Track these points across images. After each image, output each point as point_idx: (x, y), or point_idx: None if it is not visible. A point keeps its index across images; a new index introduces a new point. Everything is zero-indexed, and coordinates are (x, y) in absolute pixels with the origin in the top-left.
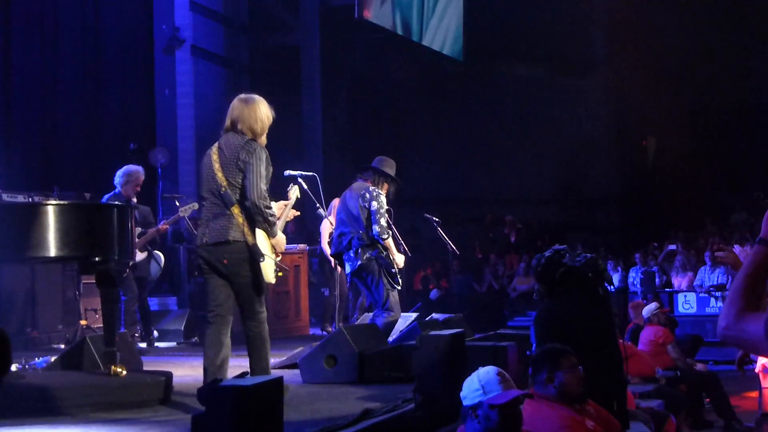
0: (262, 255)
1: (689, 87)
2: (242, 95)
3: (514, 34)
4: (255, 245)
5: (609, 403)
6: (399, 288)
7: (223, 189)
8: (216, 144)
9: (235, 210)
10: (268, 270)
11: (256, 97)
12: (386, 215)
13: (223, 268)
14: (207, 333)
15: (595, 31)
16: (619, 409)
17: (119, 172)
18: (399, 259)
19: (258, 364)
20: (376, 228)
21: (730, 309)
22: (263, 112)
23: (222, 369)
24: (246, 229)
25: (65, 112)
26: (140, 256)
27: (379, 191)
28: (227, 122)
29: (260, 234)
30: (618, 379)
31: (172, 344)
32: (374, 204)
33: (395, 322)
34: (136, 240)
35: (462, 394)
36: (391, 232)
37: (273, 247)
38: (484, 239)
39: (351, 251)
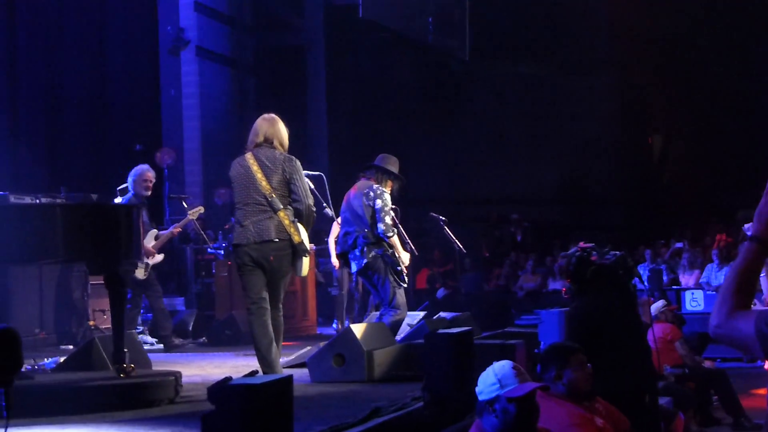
0: (307, 251)
1: (694, 85)
2: (265, 115)
3: (519, 33)
4: (302, 243)
5: (640, 397)
6: (405, 286)
7: (270, 196)
8: (250, 156)
9: (281, 214)
10: (306, 265)
11: (275, 116)
12: (391, 213)
13: (267, 264)
14: (255, 324)
15: (600, 30)
16: (651, 402)
17: (129, 175)
18: (405, 257)
19: (279, 348)
20: (380, 226)
21: (722, 307)
22: (284, 128)
23: (271, 353)
24: (292, 230)
25: (71, 113)
26: (159, 257)
27: (383, 189)
28: (259, 138)
29: (303, 232)
30: (649, 373)
31: (180, 344)
32: (378, 202)
33: (402, 320)
34: (155, 242)
35: (477, 389)
36: (396, 230)
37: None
38: (490, 238)
39: (356, 250)
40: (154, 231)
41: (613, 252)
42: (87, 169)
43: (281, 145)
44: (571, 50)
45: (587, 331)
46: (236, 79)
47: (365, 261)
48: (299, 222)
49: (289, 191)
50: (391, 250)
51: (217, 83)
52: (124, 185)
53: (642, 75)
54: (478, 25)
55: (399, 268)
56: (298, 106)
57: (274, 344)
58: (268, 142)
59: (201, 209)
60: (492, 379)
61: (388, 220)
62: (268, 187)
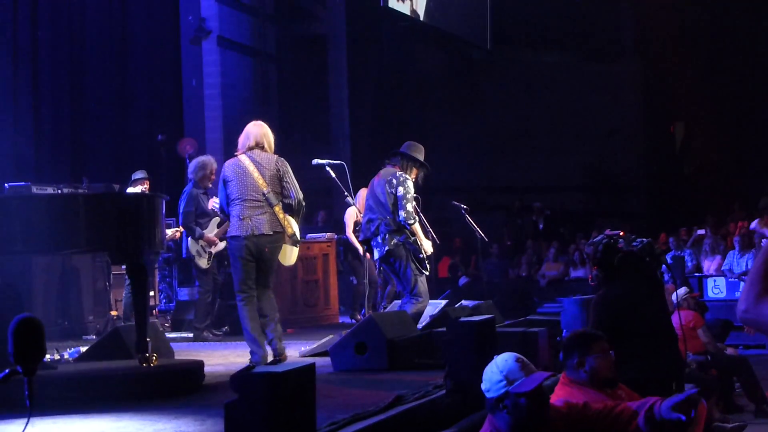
0: (298, 241)
1: (717, 72)
2: (254, 122)
3: (542, 20)
4: (294, 234)
5: (668, 384)
6: (427, 274)
7: (267, 192)
8: (244, 157)
9: (276, 208)
10: (295, 254)
11: (262, 122)
12: (413, 201)
13: (262, 255)
14: (247, 309)
15: (624, 17)
16: (678, 389)
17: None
18: (427, 246)
19: (278, 324)
20: (402, 213)
21: (750, 292)
22: (271, 133)
23: (272, 330)
24: (285, 223)
25: (93, 104)
26: (221, 245)
27: (406, 176)
28: (251, 142)
29: (295, 225)
30: (676, 360)
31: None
32: (400, 189)
33: (424, 308)
34: (217, 229)
35: (484, 387)
36: (418, 218)
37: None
38: (512, 226)
39: (378, 237)
40: (217, 219)
41: (639, 239)
42: (109, 159)
43: (269, 147)
44: (593, 38)
45: (614, 319)
46: (258, 68)
47: (387, 248)
48: (290, 215)
49: (281, 188)
50: (413, 238)
51: (238, 73)
52: (140, 174)
53: (665, 63)
54: (501, 14)
55: (421, 255)
56: (320, 96)
57: (273, 323)
58: (260, 145)
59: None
60: (497, 376)
61: (409, 207)
62: (264, 184)
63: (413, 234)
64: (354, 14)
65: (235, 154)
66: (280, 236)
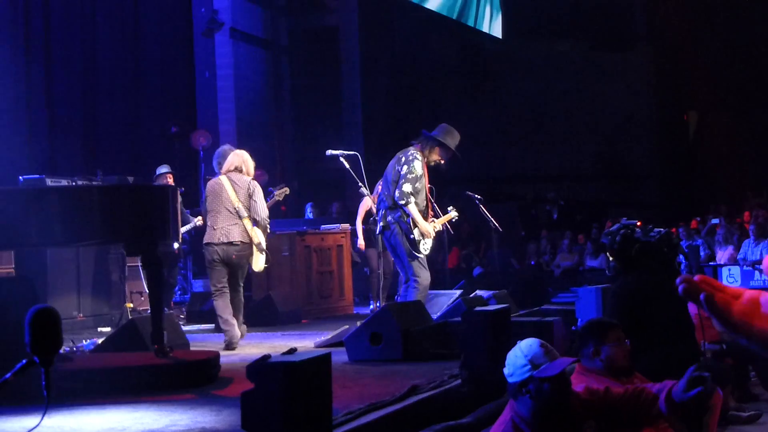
0: (264, 249)
1: (730, 60)
2: (236, 150)
3: (554, 10)
4: (260, 243)
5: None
6: (420, 256)
7: (238, 207)
8: (224, 178)
9: (245, 221)
10: (262, 260)
11: (244, 151)
12: (414, 182)
13: (230, 260)
14: (219, 301)
15: (636, 5)
16: None
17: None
18: (424, 228)
19: (240, 319)
20: (396, 192)
21: None
22: (251, 160)
23: (235, 318)
24: (252, 233)
25: (106, 96)
26: None
27: (417, 156)
28: (231, 167)
29: (261, 235)
30: (692, 350)
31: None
32: (405, 168)
33: (426, 290)
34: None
35: (507, 371)
36: (413, 199)
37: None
38: (525, 217)
39: (380, 212)
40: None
41: (657, 229)
42: (123, 151)
43: (247, 172)
44: (606, 27)
45: (631, 309)
46: (270, 60)
47: (381, 224)
48: (257, 227)
49: (250, 205)
50: (408, 218)
51: (251, 65)
52: (164, 168)
53: (678, 51)
54: (514, 4)
55: (412, 237)
56: (333, 87)
57: (238, 322)
58: (238, 169)
59: (286, 190)
60: (522, 360)
61: (406, 187)
62: (237, 200)
63: (408, 215)
64: (366, 5)
65: (218, 174)
66: (247, 245)
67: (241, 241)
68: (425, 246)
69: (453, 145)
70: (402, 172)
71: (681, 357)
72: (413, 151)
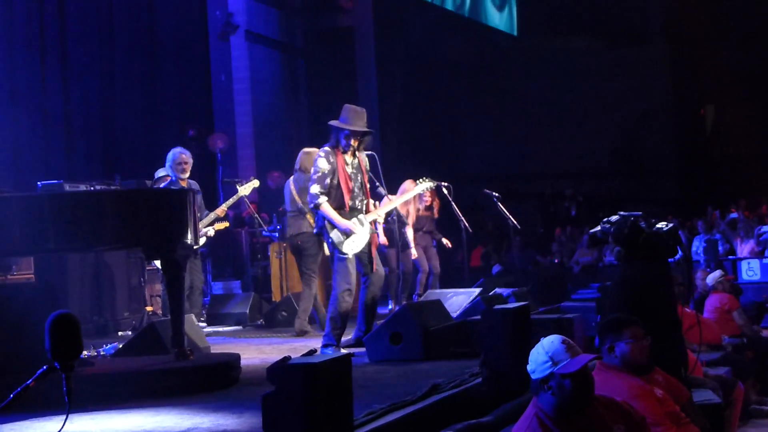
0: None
1: (747, 53)
2: (306, 149)
3: (569, 6)
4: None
5: (677, 370)
6: (348, 255)
7: (301, 205)
8: (291, 179)
9: (308, 215)
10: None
11: (307, 149)
12: (322, 180)
13: (298, 249)
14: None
15: (651, 1)
16: (686, 374)
17: (166, 161)
18: (344, 224)
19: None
20: (308, 197)
21: None
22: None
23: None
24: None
25: (123, 101)
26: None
27: (320, 154)
28: (296, 167)
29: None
30: (682, 346)
31: (238, 328)
32: (312, 170)
33: (345, 301)
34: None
35: (530, 368)
36: (324, 198)
37: None
38: (544, 213)
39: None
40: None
41: (664, 222)
42: (141, 155)
43: (306, 170)
44: (621, 22)
45: (633, 299)
46: (286, 62)
47: (316, 232)
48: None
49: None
50: (324, 221)
51: (267, 67)
52: (162, 171)
53: (694, 45)
54: (528, 1)
55: (329, 240)
56: (349, 88)
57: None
58: (302, 170)
59: (255, 183)
60: (543, 357)
61: (313, 188)
62: (299, 199)
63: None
64: (380, 5)
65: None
66: (308, 235)
67: (304, 231)
68: (351, 245)
69: (355, 125)
70: (311, 175)
71: (674, 354)
72: (319, 151)
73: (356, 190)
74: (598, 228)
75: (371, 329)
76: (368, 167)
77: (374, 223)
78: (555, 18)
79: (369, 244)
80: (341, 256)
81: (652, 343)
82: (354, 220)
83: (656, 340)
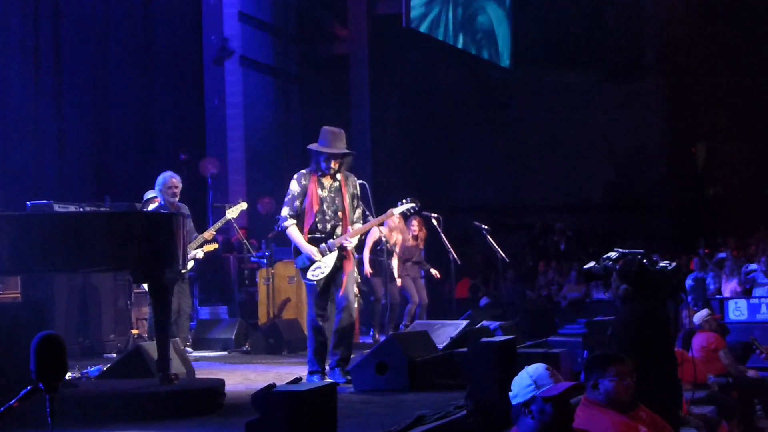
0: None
1: (740, 92)
2: None
3: (563, 40)
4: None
5: (671, 407)
6: (312, 282)
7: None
8: None
9: None
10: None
11: None
12: (292, 203)
13: None
14: None
15: (646, 37)
16: (675, 414)
17: (156, 183)
18: (307, 250)
19: None
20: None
21: None
22: None
23: None
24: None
25: (116, 123)
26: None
27: (294, 177)
28: None
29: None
30: (677, 384)
31: (224, 353)
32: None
33: (313, 324)
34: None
35: (512, 393)
36: (292, 221)
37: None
38: (534, 247)
39: None
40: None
41: (667, 261)
42: (132, 178)
43: None
44: (615, 58)
45: (638, 337)
46: (280, 88)
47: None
48: None
49: None
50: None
51: (261, 93)
52: (151, 193)
53: (687, 83)
54: (523, 35)
55: (298, 265)
56: (342, 116)
57: None
58: None
59: (243, 205)
60: (527, 381)
61: (283, 211)
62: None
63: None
64: (376, 34)
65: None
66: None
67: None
68: (316, 271)
69: (333, 147)
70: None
71: (671, 392)
72: (296, 174)
73: (329, 214)
74: (593, 264)
75: (347, 357)
76: (356, 191)
77: (348, 251)
78: (550, 51)
79: (339, 270)
80: (307, 282)
81: (653, 382)
82: (322, 246)
83: (657, 378)
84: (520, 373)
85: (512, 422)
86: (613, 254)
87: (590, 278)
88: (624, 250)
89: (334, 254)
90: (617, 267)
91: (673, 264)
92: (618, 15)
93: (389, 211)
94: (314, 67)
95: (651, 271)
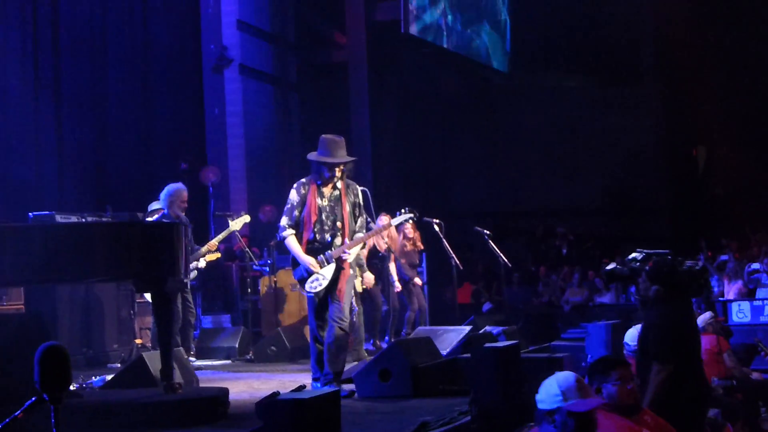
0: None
1: (739, 95)
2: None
3: (562, 45)
4: None
5: (700, 413)
6: (310, 294)
7: None
8: None
9: None
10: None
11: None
12: (291, 212)
13: None
14: None
15: (644, 41)
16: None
17: (163, 194)
18: (305, 261)
19: None
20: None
21: None
22: None
23: None
24: None
25: (116, 132)
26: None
27: (294, 186)
28: None
29: None
30: (702, 386)
31: (227, 362)
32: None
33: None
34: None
35: (538, 397)
36: (291, 231)
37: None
38: (535, 252)
39: None
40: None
41: (692, 261)
42: (132, 188)
43: None
44: (613, 62)
45: (673, 340)
46: (280, 96)
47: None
48: None
49: None
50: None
51: (260, 101)
52: (156, 204)
53: (686, 85)
54: (521, 39)
55: (297, 276)
56: (342, 123)
57: None
58: None
59: (246, 218)
60: (555, 389)
61: (282, 221)
62: None
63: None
64: (375, 41)
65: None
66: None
67: None
68: (314, 284)
69: (336, 156)
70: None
71: (691, 393)
72: (296, 183)
73: (328, 224)
74: (615, 265)
75: (339, 371)
76: (358, 200)
77: (346, 262)
78: (548, 56)
79: (336, 282)
80: (305, 293)
81: (686, 386)
82: (320, 257)
83: (690, 381)
84: (549, 379)
85: (535, 423)
86: (637, 255)
87: (613, 279)
88: (649, 251)
89: (333, 266)
90: (646, 268)
91: (700, 264)
92: (615, 19)
93: (387, 222)
94: (313, 74)
95: (679, 272)
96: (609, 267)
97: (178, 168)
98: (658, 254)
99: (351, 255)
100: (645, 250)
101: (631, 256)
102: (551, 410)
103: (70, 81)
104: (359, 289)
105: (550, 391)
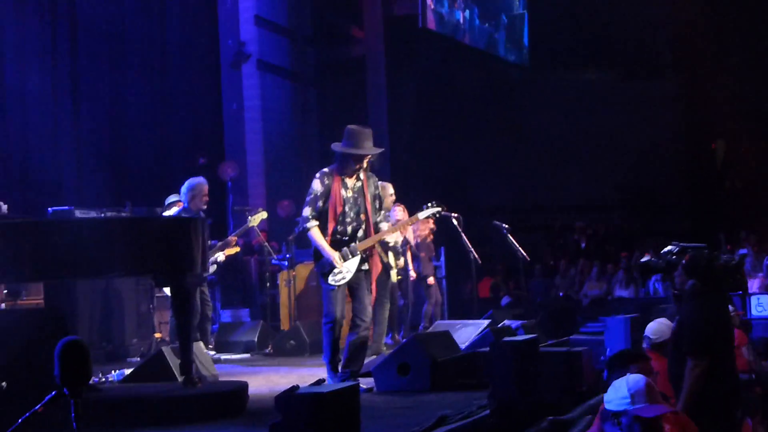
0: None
1: (757, 87)
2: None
3: (580, 39)
4: None
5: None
6: (332, 286)
7: None
8: None
9: None
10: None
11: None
12: (314, 203)
13: None
14: None
15: (662, 35)
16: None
17: (183, 188)
18: (328, 254)
19: None
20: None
21: None
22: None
23: None
24: None
25: (135, 128)
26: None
27: (316, 176)
28: None
29: None
30: (733, 381)
31: (246, 356)
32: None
33: (335, 329)
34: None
35: (606, 396)
36: (315, 222)
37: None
38: (554, 246)
39: None
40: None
41: (728, 255)
42: (151, 183)
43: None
44: (631, 56)
45: (710, 334)
46: (297, 91)
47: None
48: None
49: None
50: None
51: (278, 96)
52: (174, 197)
53: (704, 79)
54: (538, 33)
55: (317, 268)
56: (359, 118)
57: None
58: None
59: (263, 214)
60: (624, 392)
61: (305, 211)
62: None
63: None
64: (392, 36)
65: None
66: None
67: None
68: (337, 276)
69: (363, 147)
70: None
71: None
72: (318, 173)
73: (351, 215)
74: (649, 258)
75: (357, 370)
76: (378, 191)
77: (375, 254)
78: (567, 51)
79: (361, 276)
80: (326, 286)
81: (725, 380)
82: (344, 250)
83: (727, 376)
84: (621, 379)
85: (601, 420)
86: (673, 248)
87: (648, 272)
88: (685, 244)
89: (357, 259)
90: (683, 261)
91: (737, 258)
92: (634, 13)
93: (414, 215)
94: (331, 69)
95: (716, 266)
96: (643, 260)
97: (197, 163)
98: (693, 248)
99: (391, 240)
100: (680, 243)
101: (666, 249)
102: (618, 412)
103: (88, 78)
104: (394, 279)
105: (619, 392)
